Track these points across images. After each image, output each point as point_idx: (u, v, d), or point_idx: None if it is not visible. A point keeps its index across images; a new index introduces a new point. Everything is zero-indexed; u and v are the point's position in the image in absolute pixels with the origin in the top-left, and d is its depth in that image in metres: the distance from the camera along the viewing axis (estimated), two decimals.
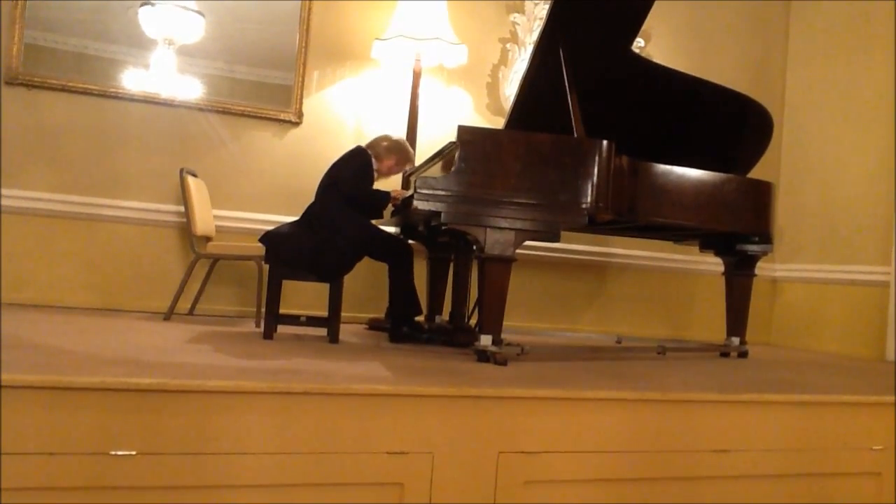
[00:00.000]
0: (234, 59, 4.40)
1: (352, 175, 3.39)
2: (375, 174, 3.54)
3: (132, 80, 4.20)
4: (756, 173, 3.79)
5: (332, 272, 3.23)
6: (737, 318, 3.76)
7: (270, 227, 3.43)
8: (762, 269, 4.13)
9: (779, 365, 3.58)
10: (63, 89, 4.04)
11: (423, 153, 3.95)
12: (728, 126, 3.74)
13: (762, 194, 3.54)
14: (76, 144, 4.07)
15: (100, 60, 4.19)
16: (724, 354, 3.75)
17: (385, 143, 3.57)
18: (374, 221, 3.47)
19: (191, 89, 4.29)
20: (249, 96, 4.41)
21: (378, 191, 3.44)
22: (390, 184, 3.84)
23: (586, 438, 2.13)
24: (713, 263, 4.50)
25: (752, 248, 3.64)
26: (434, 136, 4.37)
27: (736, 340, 3.74)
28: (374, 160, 3.50)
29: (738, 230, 3.54)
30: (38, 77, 4.01)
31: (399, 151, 3.60)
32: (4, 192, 3.91)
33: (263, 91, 4.47)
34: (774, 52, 5.39)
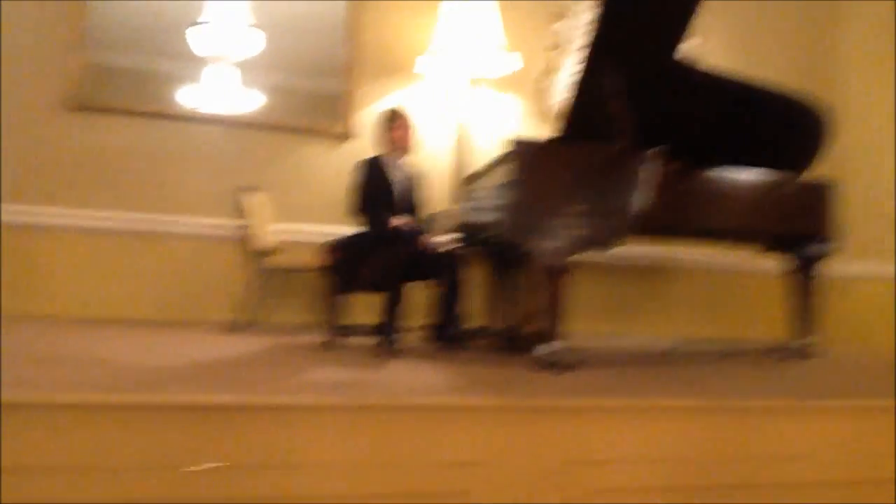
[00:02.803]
0: (289, 73, 4.51)
1: (350, 201, 3.56)
2: (395, 154, 3.64)
3: (189, 98, 4.34)
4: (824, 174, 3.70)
5: (386, 284, 3.28)
6: (800, 318, 3.68)
7: (328, 239, 3.49)
8: (826, 267, 4.03)
9: (843, 367, 3.49)
10: (123, 112, 4.21)
11: (473, 164, 3.97)
12: (783, 127, 3.66)
13: (822, 194, 3.47)
14: (137, 165, 4.23)
15: (157, 79, 4.33)
16: (787, 356, 3.67)
17: (390, 135, 3.64)
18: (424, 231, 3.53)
19: (246, 105, 4.41)
20: (302, 111, 4.52)
21: (379, 214, 3.49)
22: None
23: (652, 446, 2.12)
24: (774, 263, 4.42)
25: (815, 248, 3.57)
26: (484, 147, 4.38)
27: (799, 342, 3.66)
28: (384, 151, 3.64)
29: (797, 231, 3.47)
30: (99, 102, 4.17)
31: (396, 128, 3.65)
32: (70, 211, 4.08)
33: (315, 105, 4.56)
34: (826, 52, 5.27)
